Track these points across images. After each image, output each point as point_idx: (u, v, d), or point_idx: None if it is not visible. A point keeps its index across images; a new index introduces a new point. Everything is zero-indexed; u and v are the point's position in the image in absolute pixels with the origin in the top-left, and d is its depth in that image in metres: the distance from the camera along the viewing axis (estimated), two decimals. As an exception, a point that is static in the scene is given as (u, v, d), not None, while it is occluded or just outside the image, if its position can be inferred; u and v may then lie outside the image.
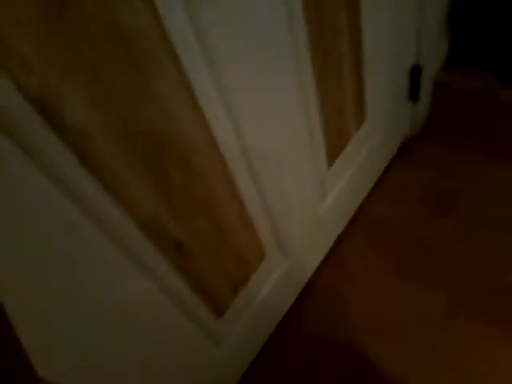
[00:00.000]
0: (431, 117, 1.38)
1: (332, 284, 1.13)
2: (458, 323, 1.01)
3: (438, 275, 1.09)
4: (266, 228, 0.86)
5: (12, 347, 0.33)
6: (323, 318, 1.09)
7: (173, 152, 0.57)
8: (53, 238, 0.47)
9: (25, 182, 0.43)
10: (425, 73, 1.17)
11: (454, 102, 1.40)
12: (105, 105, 0.47)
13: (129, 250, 0.57)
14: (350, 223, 1.22)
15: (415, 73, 1.15)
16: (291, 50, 0.69)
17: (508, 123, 1.32)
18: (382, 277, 1.12)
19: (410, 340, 1.01)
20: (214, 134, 0.63)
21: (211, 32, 0.54)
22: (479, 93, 1.39)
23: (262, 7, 0.61)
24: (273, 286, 0.97)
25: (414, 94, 1.21)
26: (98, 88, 0.45)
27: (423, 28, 1.08)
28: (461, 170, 1.26)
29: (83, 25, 0.42)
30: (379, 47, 0.95)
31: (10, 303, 0.35)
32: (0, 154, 0.40)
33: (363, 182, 1.22)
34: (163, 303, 0.68)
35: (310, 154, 0.90)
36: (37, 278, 0.47)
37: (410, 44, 1.10)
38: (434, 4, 1.11)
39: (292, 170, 0.86)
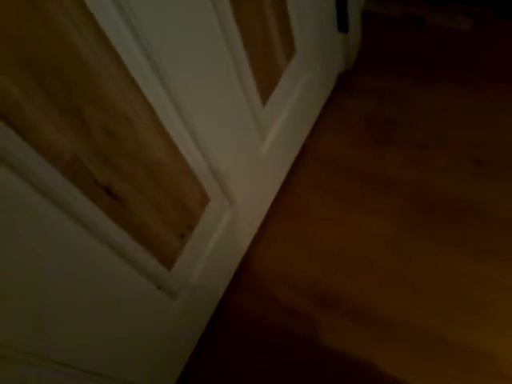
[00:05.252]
0: (364, 47, 1.37)
1: (284, 226, 1.13)
2: (411, 245, 1.04)
3: (389, 203, 1.10)
4: (205, 173, 0.83)
5: None
6: (281, 261, 1.08)
7: (81, 87, 0.53)
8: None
9: None
10: (350, 1, 1.15)
11: (383, 30, 1.40)
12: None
13: (56, 198, 0.53)
14: (296, 161, 1.21)
15: (341, 0, 1.13)
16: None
17: (435, 44, 1.33)
18: (334, 212, 1.12)
19: (372, 269, 1.03)
20: (136, 80, 0.60)
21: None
22: (406, 18, 1.39)
23: None
24: (222, 232, 0.95)
25: (342, 24, 1.19)
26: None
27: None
28: (397, 97, 1.27)
29: None
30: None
31: None
32: None
33: (303, 118, 1.20)
34: (105, 255, 0.64)
35: (243, 93, 0.86)
36: None
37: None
38: None
39: (226, 112, 0.83)
